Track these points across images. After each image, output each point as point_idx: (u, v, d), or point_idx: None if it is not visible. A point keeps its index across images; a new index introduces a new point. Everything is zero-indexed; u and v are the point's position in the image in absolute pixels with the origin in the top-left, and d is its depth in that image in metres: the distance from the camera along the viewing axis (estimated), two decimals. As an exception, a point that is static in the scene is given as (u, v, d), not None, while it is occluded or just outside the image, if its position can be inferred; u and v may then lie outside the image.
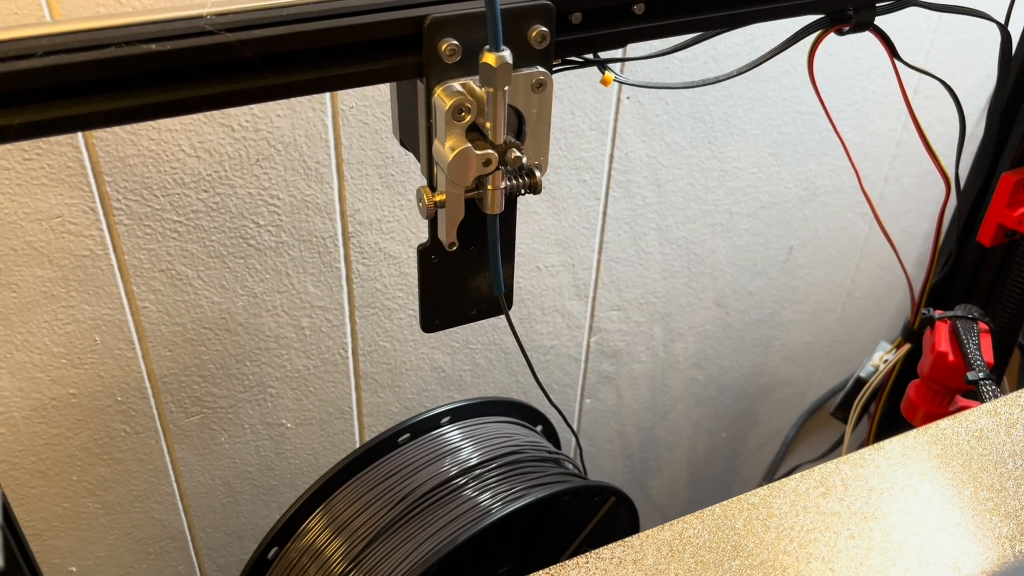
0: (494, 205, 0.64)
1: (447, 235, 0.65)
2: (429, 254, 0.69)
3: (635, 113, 1.19)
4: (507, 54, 0.57)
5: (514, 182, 0.65)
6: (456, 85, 0.60)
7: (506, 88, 0.58)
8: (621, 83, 0.92)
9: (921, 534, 0.63)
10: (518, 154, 0.62)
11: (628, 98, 1.17)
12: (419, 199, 0.64)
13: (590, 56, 0.73)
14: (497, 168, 0.62)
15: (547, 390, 0.96)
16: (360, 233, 1.11)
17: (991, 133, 1.04)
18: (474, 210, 0.66)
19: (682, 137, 1.25)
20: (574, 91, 1.13)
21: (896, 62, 0.83)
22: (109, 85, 0.52)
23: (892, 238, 1.06)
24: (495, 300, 0.74)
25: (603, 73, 0.77)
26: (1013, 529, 0.63)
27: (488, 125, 0.60)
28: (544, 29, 0.61)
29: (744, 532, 0.62)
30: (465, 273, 0.72)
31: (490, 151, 0.61)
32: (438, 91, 0.60)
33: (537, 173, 0.66)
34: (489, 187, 0.63)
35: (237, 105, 0.57)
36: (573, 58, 0.71)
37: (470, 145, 0.60)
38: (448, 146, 0.60)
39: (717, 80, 0.81)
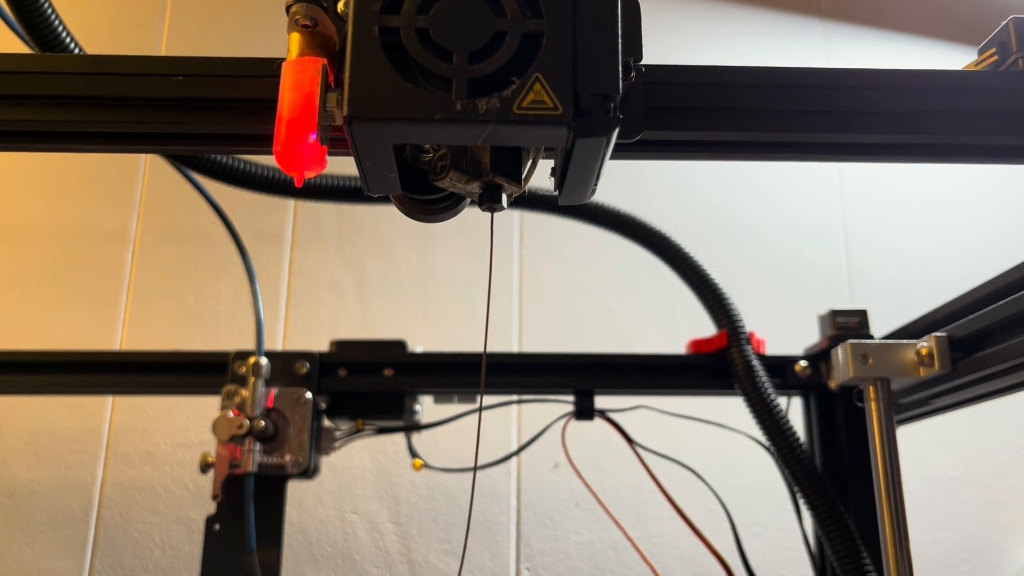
0: (247, 465, 0.94)
1: (214, 488, 0.94)
2: (213, 522, 0.96)
3: (536, 585, 1.37)
4: (264, 360, 0.95)
5: (270, 460, 0.95)
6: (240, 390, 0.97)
7: (262, 380, 0.95)
8: (429, 468, 1.19)
9: None
10: (264, 424, 0.94)
11: (528, 569, 1.38)
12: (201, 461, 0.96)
13: (399, 425, 1.07)
14: (249, 434, 0.94)
15: None
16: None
17: (811, 555, 1.11)
18: (240, 489, 0.95)
19: (592, 624, 1.38)
20: (471, 551, 1.37)
21: (635, 449, 1.06)
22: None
23: None
24: (261, 580, 0.95)
25: (412, 458, 1.09)
26: None
27: (249, 401, 0.94)
28: (307, 363, 0.99)
29: None
30: (237, 548, 0.96)
31: (244, 420, 0.94)
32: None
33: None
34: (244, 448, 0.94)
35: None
36: (387, 425, 1.06)
37: (229, 412, 0.94)
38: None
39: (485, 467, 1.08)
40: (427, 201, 0.53)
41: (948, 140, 0.59)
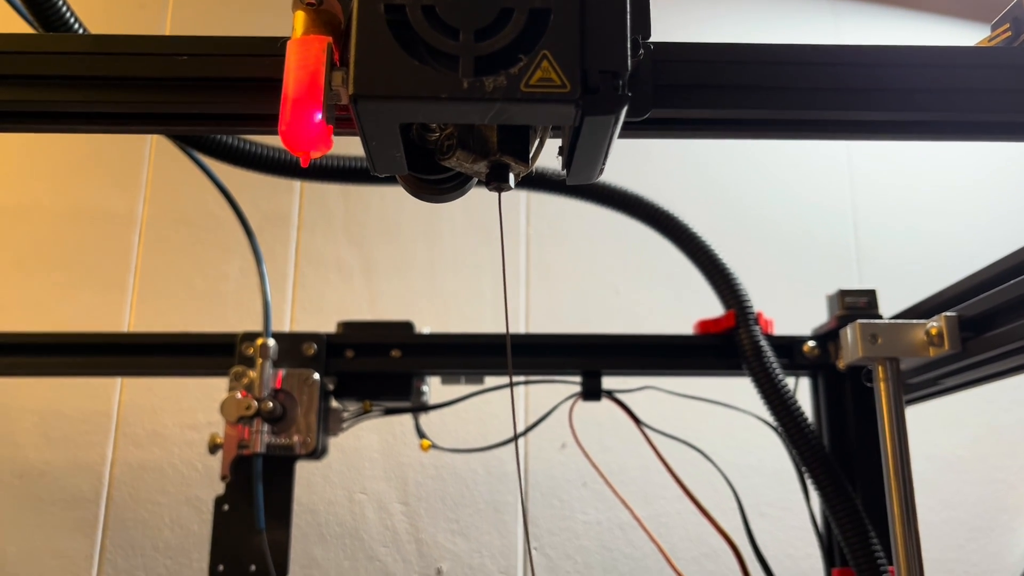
0: (255, 446, 0.94)
1: (222, 468, 0.94)
2: (222, 502, 0.96)
3: (544, 565, 1.38)
4: (272, 341, 0.95)
5: (278, 441, 0.96)
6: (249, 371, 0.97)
7: (269, 361, 0.95)
8: (436, 448, 1.19)
9: None
10: (272, 405, 0.94)
11: (535, 548, 1.38)
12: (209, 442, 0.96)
13: (406, 406, 1.07)
14: (257, 414, 0.94)
15: None
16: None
17: (818, 535, 1.11)
18: (249, 470, 0.95)
19: (600, 603, 1.39)
20: (479, 531, 1.37)
21: (644, 430, 1.06)
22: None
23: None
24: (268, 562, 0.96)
25: (420, 439, 1.09)
26: None
27: (256, 382, 0.95)
28: (315, 344, 0.99)
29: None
30: (246, 528, 0.96)
31: (252, 401, 0.94)
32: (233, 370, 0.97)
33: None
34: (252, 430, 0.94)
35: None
36: (394, 406, 1.06)
37: (237, 394, 0.94)
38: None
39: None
40: (434, 181, 0.53)
41: (960, 117, 0.58)
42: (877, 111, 0.56)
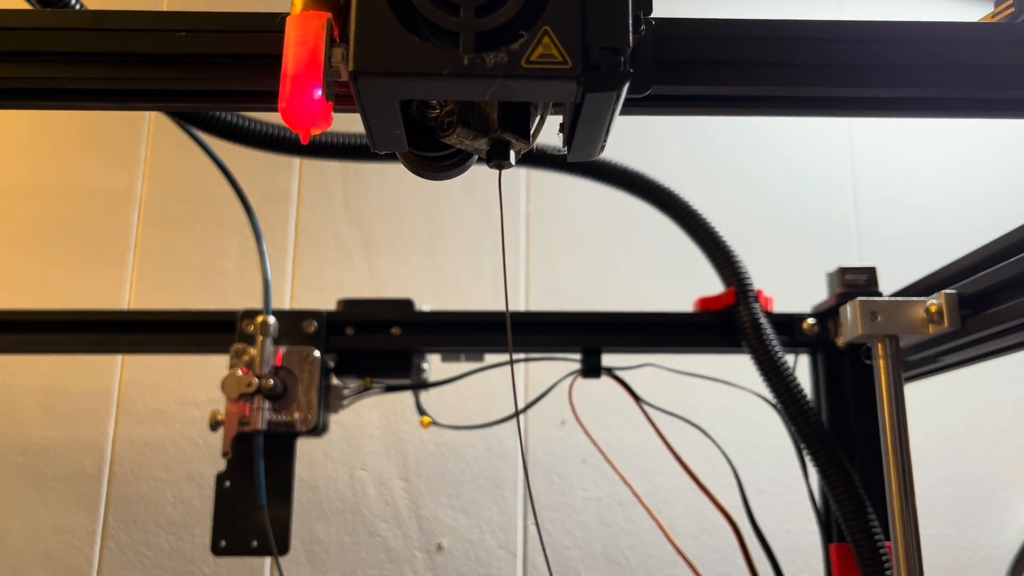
0: (256, 422, 0.94)
1: (224, 445, 0.95)
2: (223, 479, 0.97)
3: (543, 541, 1.39)
4: (272, 318, 0.95)
5: (279, 418, 0.96)
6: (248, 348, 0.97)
7: (270, 338, 0.95)
8: (437, 425, 1.20)
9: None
10: (273, 382, 0.94)
11: (533, 524, 1.39)
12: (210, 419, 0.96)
13: (406, 383, 1.07)
14: (257, 392, 0.94)
15: None
16: (284, 600, 1.32)
17: (816, 511, 1.11)
18: (250, 446, 0.95)
19: (599, 578, 1.40)
20: (479, 507, 1.38)
21: (643, 407, 1.06)
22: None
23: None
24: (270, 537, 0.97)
25: (420, 416, 1.10)
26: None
27: (257, 360, 0.95)
28: (315, 322, 1.00)
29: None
30: (248, 504, 0.97)
31: (252, 378, 0.94)
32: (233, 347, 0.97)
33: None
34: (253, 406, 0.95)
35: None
36: (395, 383, 1.06)
37: (237, 371, 0.94)
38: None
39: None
40: (434, 158, 0.53)
41: (963, 94, 0.58)
42: (881, 88, 0.56)
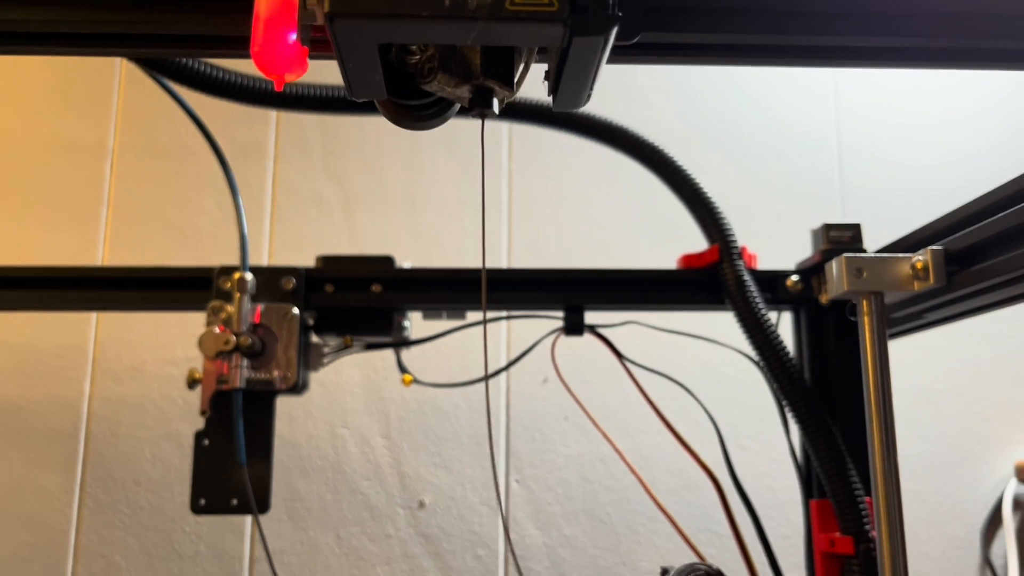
0: (234, 380, 0.93)
1: (202, 403, 0.93)
2: (202, 437, 0.96)
3: (525, 497, 1.39)
4: (249, 275, 0.93)
5: (258, 376, 0.94)
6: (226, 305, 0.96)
7: (247, 295, 0.93)
8: (418, 383, 1.19)
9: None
10: (251, 340, 0.93)
11: (517, 481, 1.39)
12: (188, 377, 0.95)
13: (387, 341, 1.06)
14: (235, 349, 0.93)
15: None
16: (262, 559, 1.32)
17: (797, 467, 1.11)
18: (229, 405, 0.94)
19: (581, 533, 1.41)
20: (461, 464, 1.38)
21: (625, 364, 1.06)
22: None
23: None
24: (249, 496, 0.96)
25: (402, 374, 1.08)
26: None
27: (235, 317, 0.93)
28: (293, 279, 0.98)
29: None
30: (227, 463, 0.96)
31: (230, 335, 0.93)
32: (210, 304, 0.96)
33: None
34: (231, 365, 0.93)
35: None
36: (375, 341, 1.05)
37: (215, 328, 0.93)
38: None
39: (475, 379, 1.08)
40: (414, 107, 0.51)
41: (954, 44, 0.57)
42: (874, 36, 0.55)
